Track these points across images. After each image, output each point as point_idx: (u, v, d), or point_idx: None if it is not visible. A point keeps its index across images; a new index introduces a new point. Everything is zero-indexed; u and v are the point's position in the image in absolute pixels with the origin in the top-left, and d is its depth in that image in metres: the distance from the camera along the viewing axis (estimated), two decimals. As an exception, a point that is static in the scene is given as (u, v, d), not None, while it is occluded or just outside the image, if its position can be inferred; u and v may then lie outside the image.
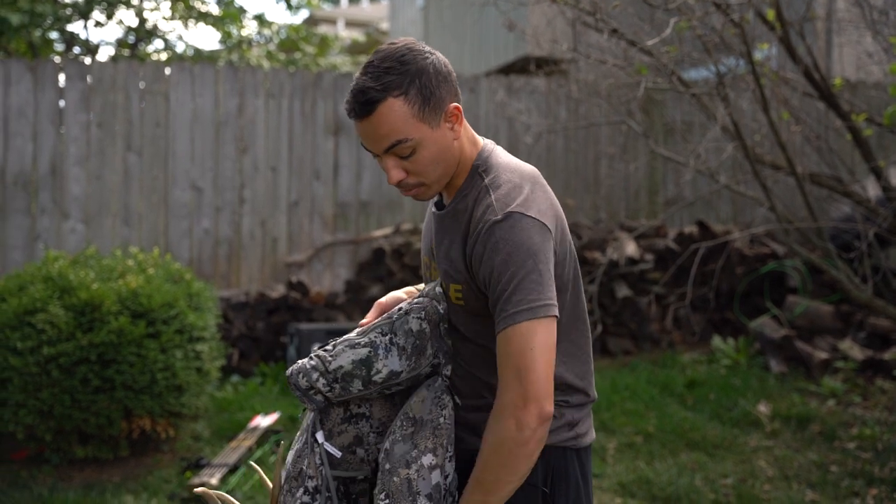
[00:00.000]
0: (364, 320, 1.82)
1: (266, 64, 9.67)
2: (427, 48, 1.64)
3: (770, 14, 4.83)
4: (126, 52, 9.26)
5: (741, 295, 6.87)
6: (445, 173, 1.68)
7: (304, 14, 20.90)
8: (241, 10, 9.51)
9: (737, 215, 7.47)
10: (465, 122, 1.70)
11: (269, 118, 6.52)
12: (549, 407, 1.53)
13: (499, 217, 1.59)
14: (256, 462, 4.49)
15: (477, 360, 1.72)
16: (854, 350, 5.93)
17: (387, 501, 1.62)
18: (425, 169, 1.64)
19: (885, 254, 6.42)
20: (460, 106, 1.67)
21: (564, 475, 1.73)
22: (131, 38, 9.25)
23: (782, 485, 4.33)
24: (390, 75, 1.58)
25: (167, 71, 6.31)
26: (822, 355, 5.97)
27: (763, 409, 5.37)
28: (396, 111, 1.58)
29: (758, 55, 5.05)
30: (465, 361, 1.75)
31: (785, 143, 4.99)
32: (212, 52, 9.78)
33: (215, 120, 6.38)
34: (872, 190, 5.92)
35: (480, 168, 1.71)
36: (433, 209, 1.82)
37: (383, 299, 1.88)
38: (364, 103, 1.58)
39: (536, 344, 1.53)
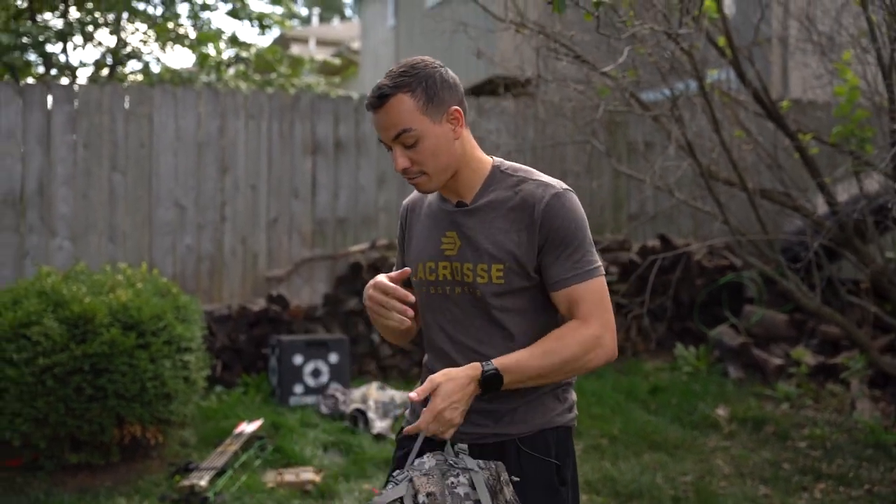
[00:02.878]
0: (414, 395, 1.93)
1: (243, 85, 9.91)
2: (439, 63, 1.96)
3: (721, 40, 5.18)
4: (104, 73, 9.46)
5: (701, 305, 7.20)
6: (447, 167, 1.96)
7: (274, 33, 21.20)
8: (219, 33, 9.75)
9: (697, 229, 7.82)
10: (468, 131, 2.00)
11: (249, 139, 6.78)
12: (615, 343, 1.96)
13: (559, 190, 1.95)
14: (241, 466, 4.72)
15: (491, 339, 1.98)
16: (806, 356, 6.26)
17: None
18: (426, 159, 1.92)
19: (837, 266, 6.78)
20: (461, 110, 1.96)
21: (569, 450, 2.05)
22: (108, 60, 9.44)
23: (738, 481, 4.62)
24: (403, 77, 1.90)
25: (151, 94, 6.55)
26: (777, 361, 6.31)
27: (721, 412, 5.67)
28: (404, 104, 1.89)
29: (711, 78, 5.40)
30: (477, 341, 1.99)
31: (737, 160, 5.33)
32: (190, 74, 10.00)
33: (197, 141, 6.63)
34: (823, 205, 6.26)
35: (503, 167, 2.03)
36: (445, 207, 2.04)
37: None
38: (378, 97, 1.90)
39: (606, 294, 1.96)
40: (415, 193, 2.18)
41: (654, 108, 5.68)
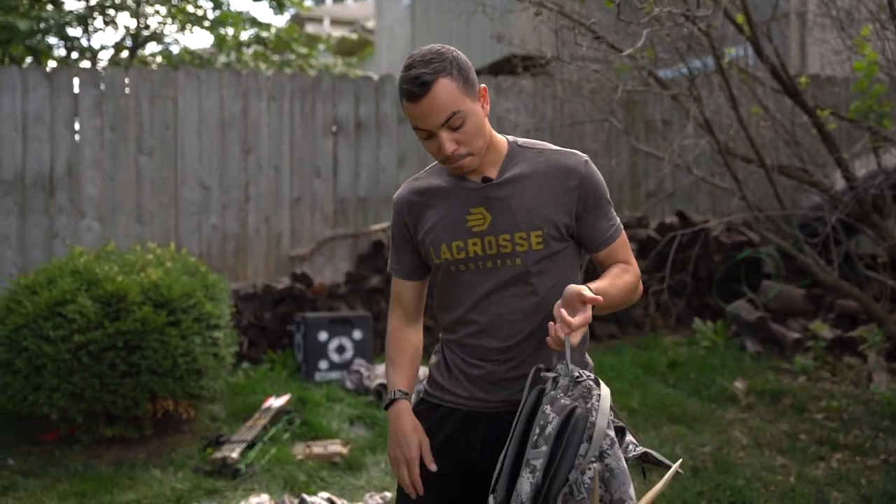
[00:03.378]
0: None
1: (262, 66, 10.00)
2: (451, 47, 2.03)
3: (739, 17, 5.22)
4: (123, 55, 9.55)
5: (719, 281, 7.27)
6: (484, 145, 2.03)
7: (288, 13, 21.19)
8: (240, 14, 9.83)
9: (715, 206, 7.87)
10: None
11: (271, 120, 6.89)
12: None
13: (585, 157, 2.12)
14: (270, 439, 4.86)
15: (519, 303, 2.08)
16: (824, 330, 6.32)
17: None
18: (472, 139, 1.98)
19: (855, 241, 6.83)
20: (487, 88, 2.05)
21: None
22: (128, 42, 9.54)
23: (755, 452, 4.69)
24: (434, 63, 1.93)
25: (175, 76, 6.66)
26: (795, 335, 6.37)
27: (739, 385, 5.74)
28: (447, 87, 1.93)
29: (728, 56, 5.43)
30: (509, 310, 2.08)
31: (754, 137, 5.38)
32: (209, 55, 10.09)
33: (221, 122, 6.74)
34: (841, 181, 6.30)
35: (519, 143, 2.13)
36: (468, 185, 2.08)
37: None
38: (421, 84, 1.91)
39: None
40: (406, 188, 2.19)
41: (672, 86, 5.73)
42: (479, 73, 8.39)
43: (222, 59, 10.19)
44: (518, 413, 1.90)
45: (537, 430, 1.80)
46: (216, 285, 5.19)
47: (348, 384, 5.89)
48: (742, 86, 5.53)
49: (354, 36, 15.51)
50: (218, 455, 4.47)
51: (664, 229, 7.14)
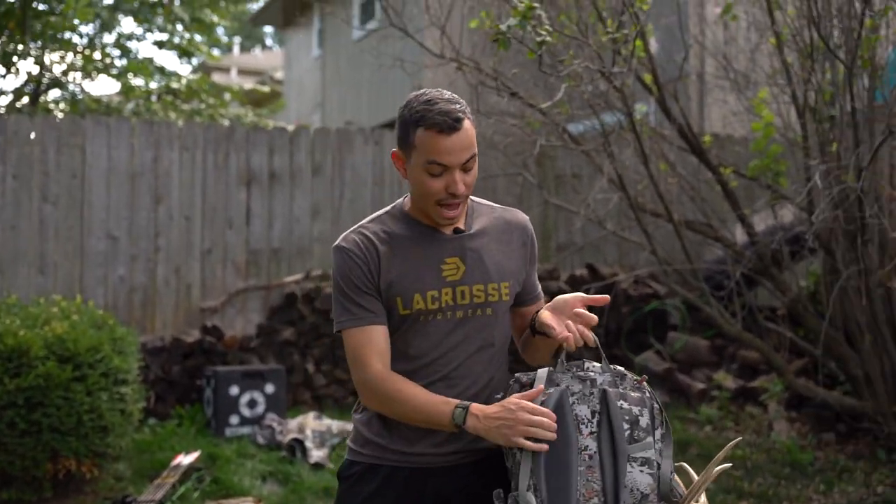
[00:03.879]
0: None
1: (172, 115, 9.86)
2: None
3: (647, 78, 5.43)
4: (24, 101, 9.29)
5: (627, 332, 7.43)
6: None
7: (196, 62, 20.92)
8: (149, 63, 9.71)
9: (622, 258, 8.08)
10: None
11: (183, 169, 6.77)
12: None
13: (526, 216, 2.23)
14: (179, 498, 4.70)
15: (480, 354, 2.08)
16: (727, 380, 6.52)
17: None
18: (472, 183, 2.01)
19: (754, 293, 7.09)
20: None
21: None
22: (29, 88, 9.29)
23: (665, 501, 4.79)
24: (456, 103, 1.95)
25: (83, 124, 6.50)
26: (700, 386, 6.55)
27: (648, 435, 5.86)
28: (471, 129, 1.97)
29: (639, 113, 5.64)
30: (475, 361, 2.07)
31: (663, 193, 5.58)
32: (116, 103, 9.91)
33: (131, 171, 6.59)
34: (742, 236, 6.56)
35: (473, 198, 2.17)
36: (439, 236, 2.07)
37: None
38: (456, 119, 1.92)
39: None
40: (364, 233, 2.06)
41: (583, 141, 5.89)
42: (391, 125, 8.51)
43: (130, 106, 10.03)
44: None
45: (626, 426, 1.87)
46: (124, 339, 5.02)
47: (260, 439, 5.76)
48: (654, 143, 5.74)
49: (266, 88, 15.48)
50: (126, 516, 4.30)
51: (575, 282, 7.27)
